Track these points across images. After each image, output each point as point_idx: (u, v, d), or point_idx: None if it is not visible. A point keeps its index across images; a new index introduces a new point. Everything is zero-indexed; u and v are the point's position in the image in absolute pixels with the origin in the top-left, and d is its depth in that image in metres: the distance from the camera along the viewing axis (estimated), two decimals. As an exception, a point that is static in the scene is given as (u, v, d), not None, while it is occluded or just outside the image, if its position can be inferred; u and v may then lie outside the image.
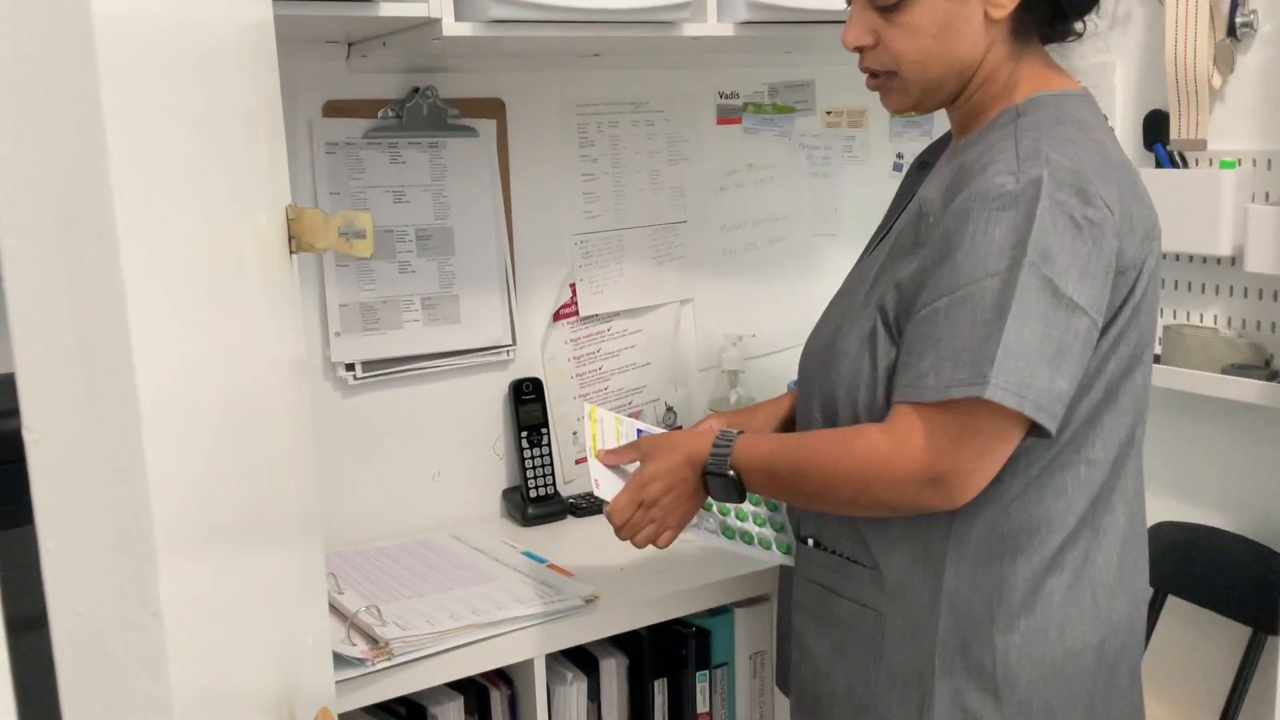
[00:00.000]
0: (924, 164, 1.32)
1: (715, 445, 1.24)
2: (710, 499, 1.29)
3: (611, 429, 1.44)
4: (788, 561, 1.38)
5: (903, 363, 1.11)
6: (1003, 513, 1.14)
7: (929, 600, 1.16)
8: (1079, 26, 1.22)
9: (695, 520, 1.34)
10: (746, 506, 1.39)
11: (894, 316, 1.15)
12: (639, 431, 1.45)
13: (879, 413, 1.15)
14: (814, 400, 1.26)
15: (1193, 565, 1.83)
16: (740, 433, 1.25)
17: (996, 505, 1.13)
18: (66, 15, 0.51)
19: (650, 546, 1.27)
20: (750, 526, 1.40)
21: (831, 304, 1.29)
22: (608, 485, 1.35)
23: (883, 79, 1.20)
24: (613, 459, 1.34)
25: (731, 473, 1.21)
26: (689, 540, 1.34)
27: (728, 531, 1.38)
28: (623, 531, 1.26)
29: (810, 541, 1.29)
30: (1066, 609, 1.15)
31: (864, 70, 1.22)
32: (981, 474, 1.09)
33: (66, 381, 0.52)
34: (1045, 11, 1.17)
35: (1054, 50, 1.23)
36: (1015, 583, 1.14)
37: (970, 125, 1.21)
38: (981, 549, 1.15)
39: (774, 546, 1.40)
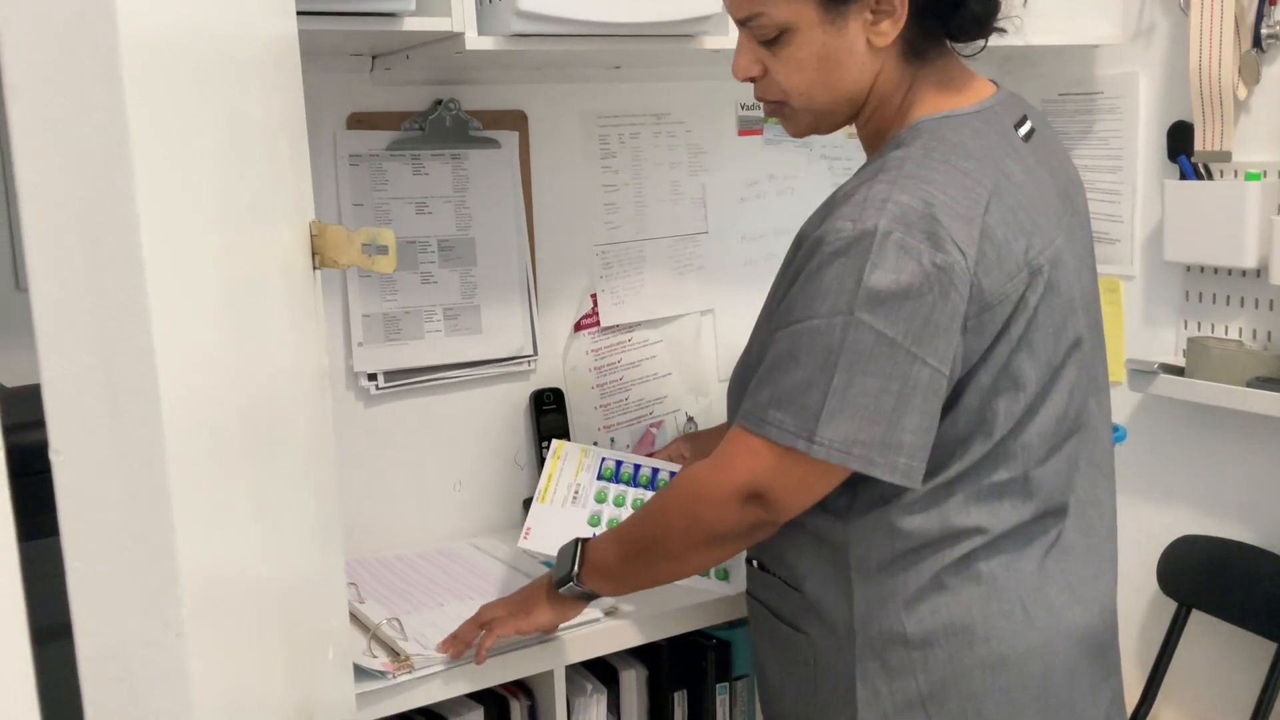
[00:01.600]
0: None
1: (558, 563, 1.29)
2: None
3: (574, 463, 1.46)
4: (726, 590, 1.39)
5: (749, 388, 1.12)
6: (900, 533, 1.13)
7: (844, 619, 1.16)
8: (981, 42, 1.18)
9: None
10: None
11: None
12: (603, 459, 1.46)
13: None
14: (731, 421, 1.27)
15: (1217, 579, 1.81)
16: (585, 539, 1.29)
17: (893, 528, 1.13)
18: (93, 41, 0.52)
19: None
20: None
21: (754, 326, 1.29)
22: (540, 537, 1.37)
23: (776, 107, 1.21)
24: (447, 647, 1.36)
25: (574, 581, 1.27)
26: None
27: None
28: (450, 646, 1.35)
29: (755, 563, 1.30)
30: (990, 620, 1.13)
31: (757, 100, 1.23)
32: (800, 500, 1.11)
33: (91, 403, 0.52)
34: (939, 33, 1.15)
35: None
36: (919, 590, 1.13)
37: (873, 146, 1.21)
38: (882, 564, 1.14)
39: (711, 574, 1.41)
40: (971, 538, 1.13)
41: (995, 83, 1.21)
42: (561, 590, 1.29)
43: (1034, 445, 1.13)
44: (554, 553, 1.37)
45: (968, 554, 1.13)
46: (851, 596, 1.15)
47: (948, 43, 1.18)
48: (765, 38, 1.14)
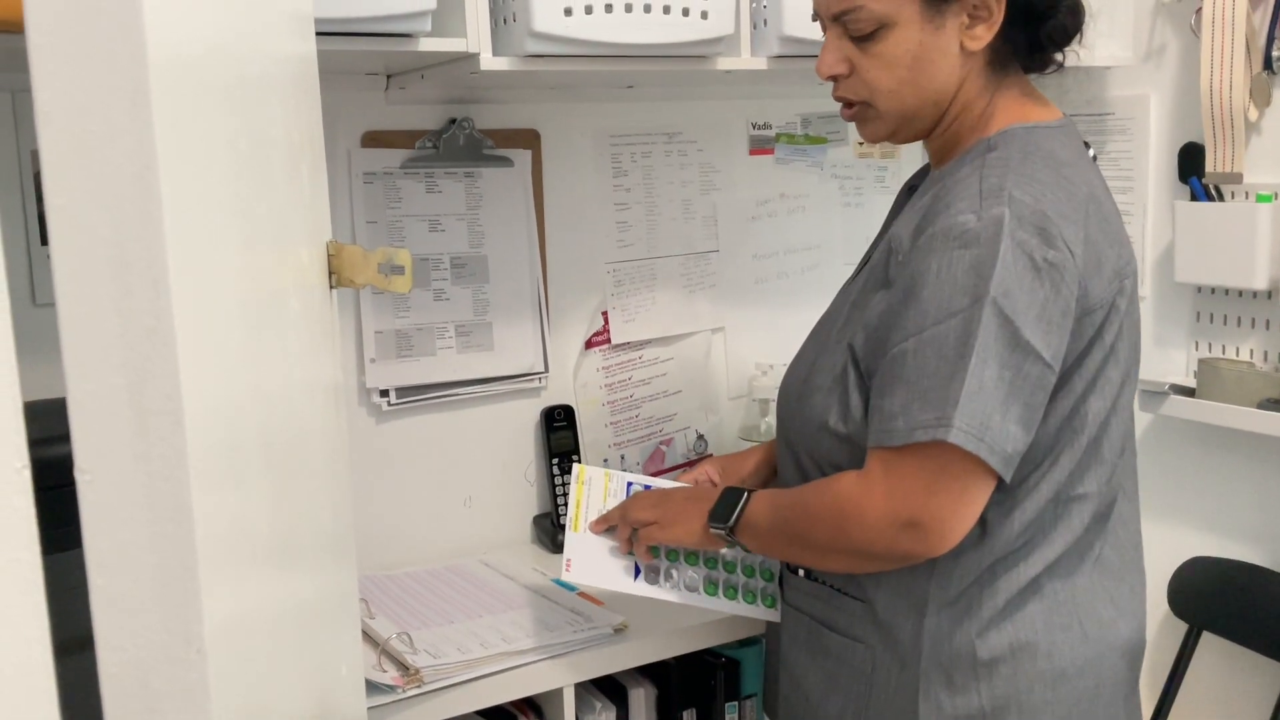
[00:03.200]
0: (912, 188, 1.32)
1: (721, 502, 1.27)
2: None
3: (600, 489, 1.45)
4: (773, 617, 1.39)
5: (874, 406, 1.10)
6: (986, 548, 1.13)
7: (914, 632, 1.16)
8: (1059, 57, 1.20)
9: (674, 578, 1.37)
10: (736, 552, 1.40)
11: (863, 356, 1.14)
12: (629, 485, 1.46)
13: (849, 452, 1.14)
14: (788, 436, 1.27)
15: (1227, 601, 1.81)
16: (751, 491, 1.26)
17: (979, 541, 1.13)
18: (123, 67, 0.53)
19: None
20: (737, 577, 1.41)
21: (810, 337, 1.29)
22: (582, 567, 1.36)
23: (858, 109, 1.20)
24: (603, 524, 1.36)
25: (725, 530, 1.25)
26: (669, 600, 1.37)
27: (710, 588, 1.39)
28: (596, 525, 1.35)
29: (801, 572, 1.29)
30: (1052, 635, 1.14)
31: (838, 99, 1.22)
32: (960, 519, 1.07)
33: (117, 423, 0.53)
34: (1023, 43, 1.16)
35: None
36: (994, 613, 1.13)
37: (946, 156, 1.21)
38: (963, 581, 1.14)
39: (758, 600, 1.41)
40: (1044, 553, 1.14)
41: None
42: (713, 530, 1.27)
43: (1105, 461, 1.15)
44: (600, 584, 1.37)
45: (1038, 574, 1.14)
46: (924, 611, 1.15)
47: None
48: (861, 33, 1.14)
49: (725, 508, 1.26)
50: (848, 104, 1.21)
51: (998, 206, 1.05)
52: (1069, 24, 1.15)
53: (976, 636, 1.14)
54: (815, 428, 1.20)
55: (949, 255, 1.05)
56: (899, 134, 1.22)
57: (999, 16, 1.12)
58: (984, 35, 1.13)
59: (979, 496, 1.08)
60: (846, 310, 1.21)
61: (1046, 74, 1.22)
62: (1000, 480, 1.07)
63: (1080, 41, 1.20)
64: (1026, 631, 1.13)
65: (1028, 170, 1.09)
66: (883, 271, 1.15)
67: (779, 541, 1.24)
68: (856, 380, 1.15)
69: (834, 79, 1.19)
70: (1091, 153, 1.21)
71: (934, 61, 1.14)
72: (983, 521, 1.11)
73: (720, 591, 1.40)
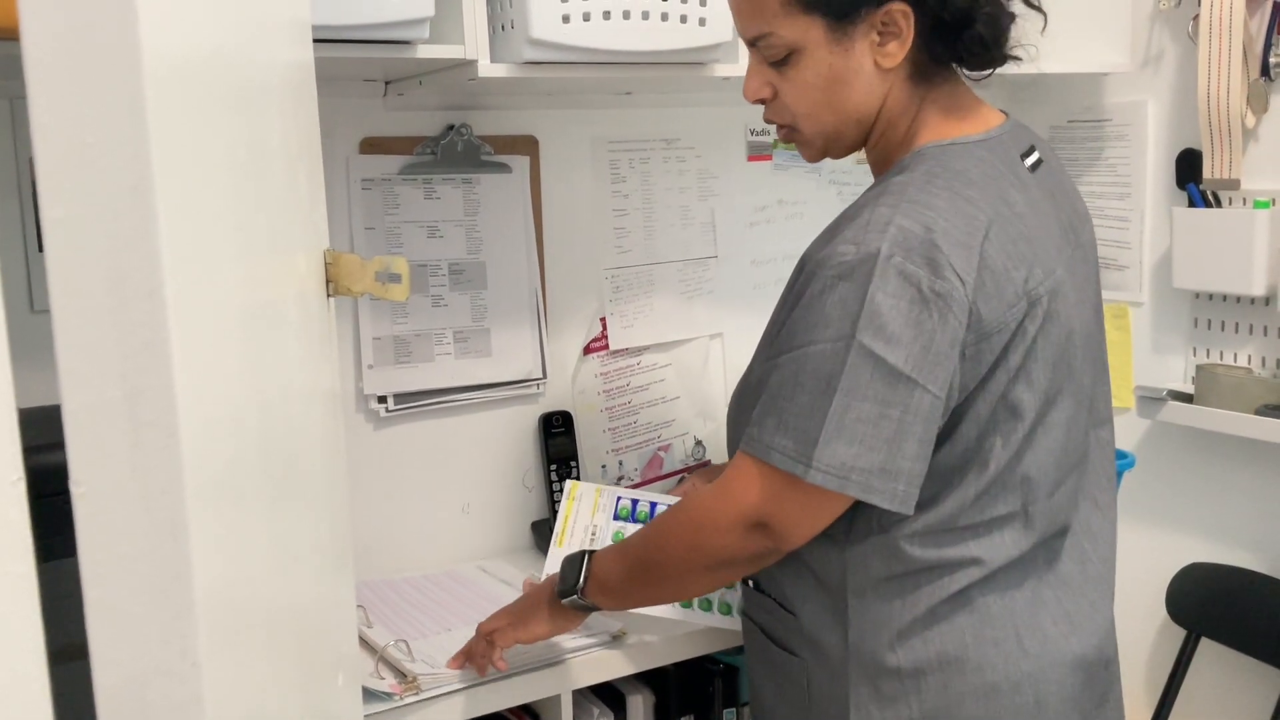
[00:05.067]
0: None
1: (563, 573, 1.29)
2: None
3: (590, 503, 1.46)
4: (726, 624, 1.40)
5: (753, 411, 1.12)
6: (896, 559, 1.13)
7: (839, 644, 1.16)
8: (995, 59, 1.17)
9: None
10: None
11: None
12: (618, 499, 1.47)
13: None
14: (732, 447, 1.27)
15: (1225, 608, 1.81)
16: (591, 551, 1.29)
17: (890, 552, 1.13)
18: (118, 78, 0.53)
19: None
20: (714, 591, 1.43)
21: (755, 350, 1.29)
22: None
23: (787, 131, 1.22)
24: (458, 660, 1.38)
25: (577, 594, 1.27)
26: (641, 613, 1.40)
27: (684, 601, 1.40)
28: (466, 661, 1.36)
29: (751, 584, 1.30)
30: (983, 649, 1.13)
31: (767, 122, 1.23)
32: (805, 528, 1.10)
33: (113, 436, 0.53)
34: (945, 55, 1.14)
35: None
36: (914, 620, 1.13)
37: (880, 170, 1.21)
38: (878, 591, 1.14)
39: (714, 608, 1.42)
40: (968, 570, 1.13)
41: (1005, 113, 1.21)
42: (564, 601, 1.29)
43: (1035, 480, 1.13)
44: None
45: (964, 587, 1.13)
46: (846, 623, 1.15)
47: (959, 70, 1.18)
48: (774, 58, 1.15)
49: (571, 574, 1.29)
50: (780, 127, 1.22)
51: (877, 240, 1.04)
52: (986, 35, 1.12)
53: (898, 645, 1.13)
54: None
55: (823, 283, 1.06)
56: (830, 152, 1.22)
57: (909, 33, 1.10)
58: (897, 52, 1.12)
59: (829, 514, 1.10)
60: (770, 326, 1.23)
61: (983, 79, 1.19)
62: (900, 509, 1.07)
63: (1021, 50, 1.18)
64: (954, 644, 1.13)
65: (925, 196, 1.07)
66: (791, 284, 1.16)
67: (635, 584, 1.25)
68: None
69: (761, 102, 1.21)
70: (1033, 159, 1.17)
71: (848, 82, 1.14)
72: (889, 535, 1.12)
73: (694, 604, 1.42)
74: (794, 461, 1.05)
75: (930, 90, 1.16)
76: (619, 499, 1.47)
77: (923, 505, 1.10)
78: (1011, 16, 1.17)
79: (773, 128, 1.25)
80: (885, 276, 1.02)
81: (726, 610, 1.43)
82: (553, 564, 1.39)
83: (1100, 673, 1.21)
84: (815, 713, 1.20)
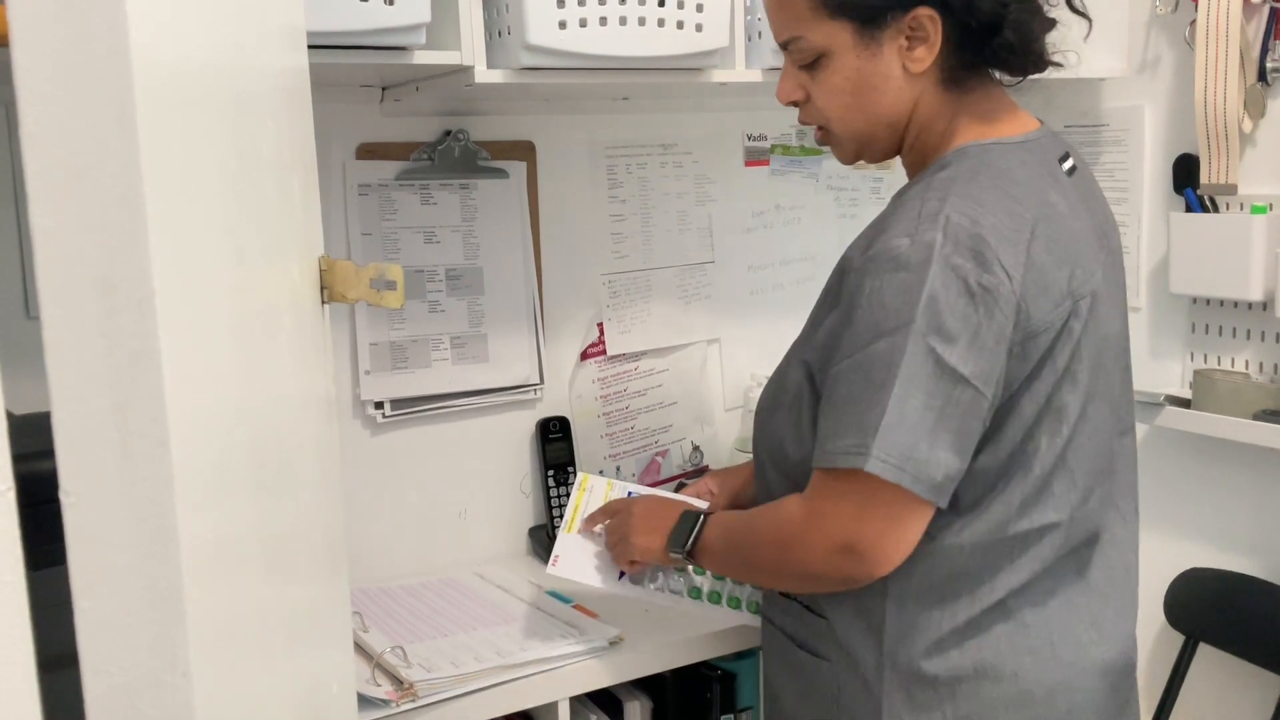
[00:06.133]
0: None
1: (678, 528, 1.30)
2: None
3: (600, 496, 1.46)
4: (754, 622, 1.40)
5: (818, 427, 1.11)
6: (938, 566, 1.12)
7: (873, 650, 1.16)
8: (1032, 64, 1.18)
9: (660, 580, 1.41)
10: None
11: (816, 374, 1.15)
12: (629, 494, 1.47)
13: (807, 470, 1.14)
14: (759, 450, 1.28)
15: (1224, 613, 1.81)
16: (707, 514, 1.30)
17: (931, 560, 1.12)
18: (108, 87, 0.53)
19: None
20: (723, 583, 1.43)
21: (786, 353, 1.29)
22: (569, 564, 1.39)
23: (823, 132, 1.22)
24: (590, 524, 1.41)
25: (683, 554, 1.28)
26: (654, 602, 1.41)
27: (693, 592, 1.41)
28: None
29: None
30: (1019, 658, 1.13)
31: (802, 124, 1.24)
32: (895, 544, 1.08)
33: (102, 445, 0.53)
34: (975, 60, 1.15)
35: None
36: (953, 630, 1.13)
37: (914, 174, 1.22)
38: (918, 599, 1.14)
39: (744, 606, 1.42)
40: (1008, 578, 1.12)
41: (1040, 120, 1.22)
42: (671, 553, 1.30)
43: (1076, 484, 1.13)
44: (585, 580, 1.40)
45: (1003, 596, 1.13)
46: (882, 630, 1.15)
47: (994, 75, 1.18)
48: (804, 62, 1.16)
49: (682, 532, 1.29)
50: (815, 128, 1.23)
51: (931, 231, 1.04)
52: (1014, 41, 1.13)
53: (935, 654, 1.13)
54: (777, 444, 1.21)
55: (881, 278, 1.05)
56: (864, 155, 1.23)
57: (936, 38, 1.11)
58: (925, 57, 1.12)
59: (912, 521, 1.08)
60: (807, 327, 1.22)
61: (1016, 84, 1.20)
62: (937, 506, 1.07)
63: (1059, 45, 1.18)
64: (990, 653, 1.12)
65: (972, 191, 1.07)
66: (835, 290, 1.15)
67: (734, 564, 1.28)
68: (810, 399, 1.16)
69: (795, 104, 1.22)
70: (1069, 164, 1.18)
71: (876, 86, 1.14)
72: (933, 541, 1.11)
73: (704, 596, 1.41)
74: (853, 455, 1.04)
75: (964, 94, 1.16)
76: (630, 493, 1.47)
77: (967, 511, 1.10)
78: (1051, 22, 1.17)
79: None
80: (941, 267, 1.03)
81: (755, 609, 1.42)
82: (562, 548, 1.42)
83: (1124, 680, 1.21)
84: (845, 714, 1.19)
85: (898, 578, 1.13)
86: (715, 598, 1.41)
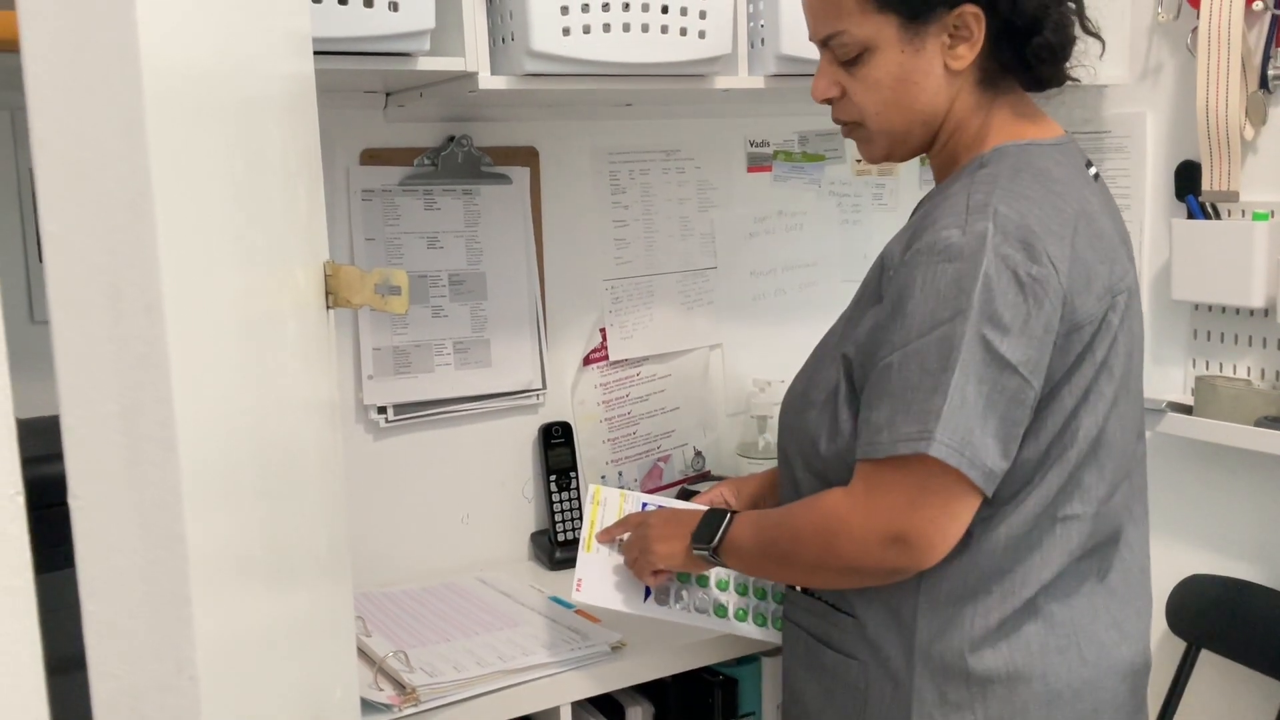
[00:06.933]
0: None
1: (703, 524, 1.27)
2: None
3: (615, 508, 1.46)
4: (780, 639, 1.39)
5: (862, 419, 1.11)
6: (972, 563, 1.13)
7: (904, 649, 1.16)
8: (1059, 75, 1.20)
9: (684, 599, 1.39)
10: (741, 575, 1.41)
11: (855, 370, 1.15)
12: (644, 506, 1.46)
13: (842, 466, 1.15)
14: (786, 449, 1.28)
15: (1226, 619, 1.81)
16: (734, 512, 1.28)
17: (965, 555, 1.13)
18: (118, 93, 0.53)
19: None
20: (748, 599, 1.42)
21: (812, 352, 1.30)
22: (593, 588, 1.38)
23: (853, 129, 1.23)
24: (607, 536, 1.39)
25: (709, 551, 1.25)
26: (681, 622, 1.39)
27: (720, 610, 1.40)
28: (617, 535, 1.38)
29: (798, 587, 1.30)
30: (1048, 658, 1.14)
31: (835, 122, 1.25)
32: (945, 533, 1.08)
33: (110, 450, 0.53)
34: (1012, 62, 1.16)
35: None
36: (986, 630, 1.13)
37: (945, 174, 1.23)
38: (951, 597, 1.14)
39: (769, 623, 1.41)
40: (1038, 575, 1.13)
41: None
42: (695, 552, 1.28)
43: (1104, 479, 1.14)
44: (610, 604, 1.37)
45: (1034, 594, 1.13)
46: (914, 629, 1.15)
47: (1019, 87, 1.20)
48: (846, 57, 1.17)
49: (708, 529, 1.27)
50: (845, 124, 1.24)
51: (982, 222, 1.05)
52: (1054, 42, 1.15)
53: (969, 653, 1.13)
54: (809, 441, 1.21)
55: (933, 269, 1.06)
56: (894, 153, 1.24)
57: (979, 36, 1.13)
58: (966, 55, 1.14)
59: (963, 511, 1.08)
60: (842, 326, 1.22)
61: (1048, 93, 1.22)
62: (984, 495, 1.07)
63: (1078, 59, 1.20)
64: (1022, 654, 1.13)
65: (1016, 187, 1.09)
66: (875, 287, 1.16)
67: (765, 562, 1.24)
68: (848, 395, 1.16)
69: (829, 101, 1.22)
70: (1093, 170, 1.21)
71: (917, 83, 1.15)
72: (969, 537, 1.11)
73: (730, 614, 1.40)
74: (916, 441, 1.04)
75: (998, 96, 1.18)
76: (645, 505, 1.47)
77: (1005, 503, 1.11)
78: (1074, 27, 1.19)
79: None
80: (995, 256, 1.04)
81: (762, 622, 1.42)
82: (584, 570, 1.38)
83: (1141, 682, 1.23)
84: (871, 717, 1.19)
85: (930, 574, 1.13)
86: (742, 615, 1.41)
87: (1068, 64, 1.20)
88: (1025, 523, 1.12)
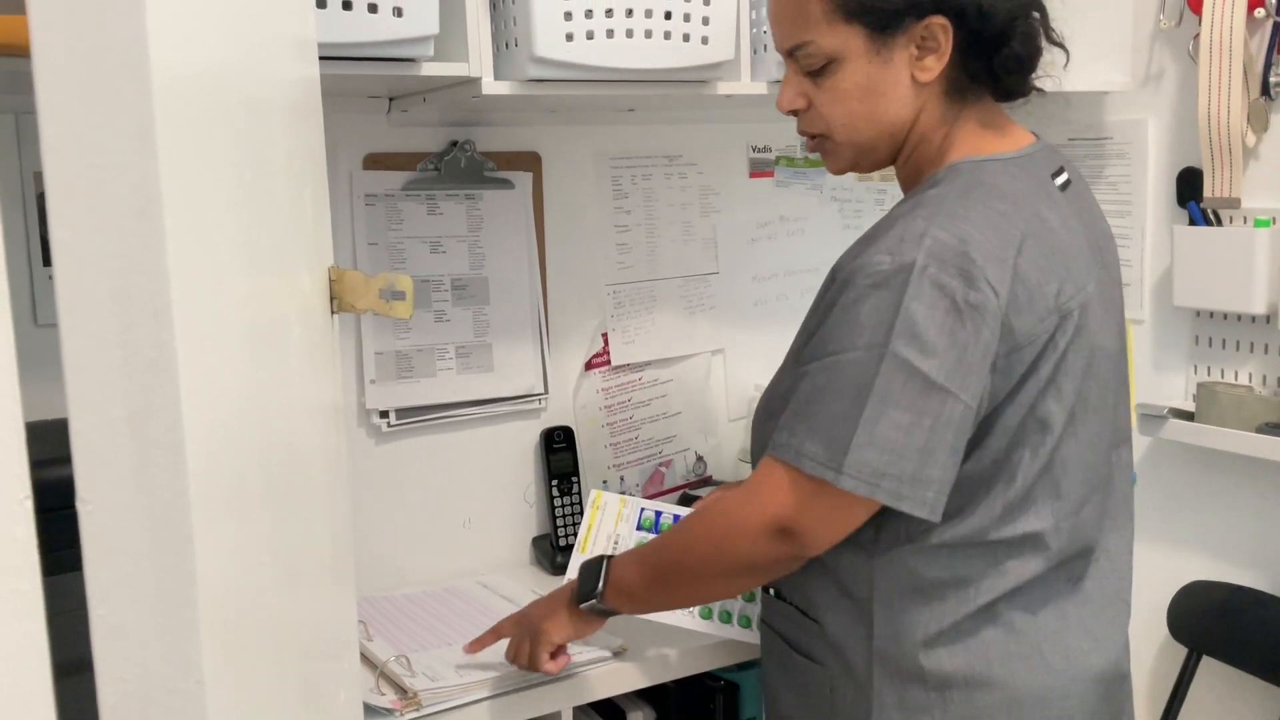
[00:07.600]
0: None
1: (582, 578, 1.29)
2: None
3: (614, 513, 1.47)
4: (752, 638, 1.40)
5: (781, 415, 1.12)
6: (925, 564, 1.13)
7: (864, 652, 1.16)
8: (1027, 86, 1.20)
9: None
10: None
11: None
12: (641, 510, 1.47)
13: None
14: (757, 457, 1.28)
15: (1226, 626, 1.81)
16: (610, 556, 1.29)
17: (919, 557, 1.13)
18: (128, 102, 0.53)
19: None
20: (735, 603, 1.42)
21: (783, 361, 1.30)
22: None
23: (819, 141, 1.22)
24: (477, 646, 1.41)
25: (596, 598, 1.26)
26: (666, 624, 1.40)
27: (704, 612, 1.41)
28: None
29: (772, 591, 1.30)
30: (1009, 664, 1.13)
31: (800, 134, 1.24)
32: (829, 535, 1.10)
33: (119, 455, 0.54)
34: (980, 73, 1.16)
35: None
36: (939, 631, 1.13)
37: (910, 185, 1.22)
38: (905, 599, 1.14)
39: (754, 625, 1.42)
40: (994, 583, 1.13)
41: (1035, 134, 1.23)
42: (583, 606, 1.29)
43: (1062, 495, 1.14)
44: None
45: (990, 601, 1.13)
46: (871, 632, 1.16)
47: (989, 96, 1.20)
48: (812, 68, 1.16)
49: (589, 579, 1.28)
50: (810, 136, 1.23)
51: (913, 252, 1.05)
52: (1022, 53, 1.14)
53: (922, 652, 1.13)
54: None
55: (857, 292, 1.07)
56: (860, 165, 1.23)
57: (947, 47, 1.12)
58: (934, 66, 1.13)
59: (855, 519, 1.10)
60: (800, 336, 1.23)
61: (1017, 104, 1.21)
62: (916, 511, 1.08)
63: (1044, 69, 1.20)
64: (980, 659, 1.13)
65: (960, 210, 1.08)
66: (822, 295, 1.17)
67: (655, 588, 1.25)
68: None
69: (794, 113, 1.22)
70: (1062, 179, 1.19)
71: (885, 94, 1.15)
72: (917, 543, 1.12)
73: (715, 616, 1.42)
74: (824, 467, 1.05)
75: (964, 108, 1.18)
76: (642, 510, 1.48)
77: (950, 517, 1.10)
78: (1042, 38, 1.18)
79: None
80: (920, 287, 1.04)
81: (746, 623, 1.43)
82: (575, 569, 1.40)
83: (1117, 688, 1.22)
84: (840, 718, 1.19)
85: (884, 579, 1.14)
86: (726, 617, 1.42)
87: (1034, 75, 1.19)
88: (972, 534, 1.12)
